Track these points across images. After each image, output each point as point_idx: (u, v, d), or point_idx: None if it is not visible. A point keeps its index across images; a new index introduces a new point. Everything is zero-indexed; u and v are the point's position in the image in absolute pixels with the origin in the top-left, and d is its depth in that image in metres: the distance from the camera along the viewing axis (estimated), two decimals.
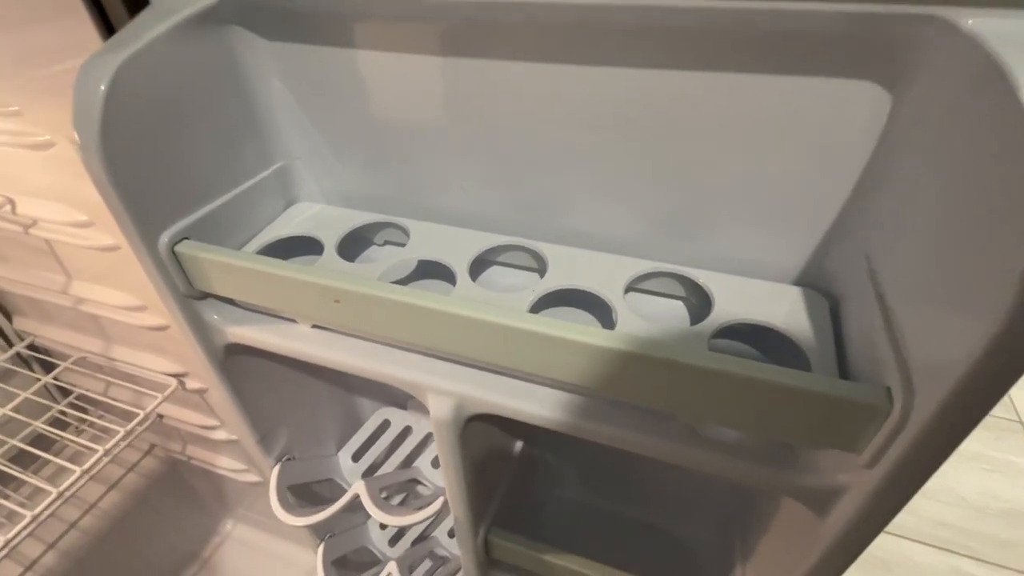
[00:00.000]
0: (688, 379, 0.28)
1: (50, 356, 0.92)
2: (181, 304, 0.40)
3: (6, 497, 0.68)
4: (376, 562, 0.72)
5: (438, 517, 0.72)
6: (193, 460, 1.05)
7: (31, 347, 0.93)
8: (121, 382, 0.87)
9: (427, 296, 0.32)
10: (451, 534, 0.71)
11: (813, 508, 0.31)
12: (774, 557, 0.44)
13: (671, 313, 0.38)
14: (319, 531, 0.66)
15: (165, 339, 0.78)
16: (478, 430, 0.40)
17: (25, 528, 0.64)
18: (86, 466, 0.72)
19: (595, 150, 0.36)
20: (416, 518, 0.47)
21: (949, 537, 1.15)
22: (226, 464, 1.01)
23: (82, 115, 0.33)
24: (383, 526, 0.75)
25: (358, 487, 0.49)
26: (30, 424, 0.79)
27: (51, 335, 0.90)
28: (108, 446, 0.74)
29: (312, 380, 0.58)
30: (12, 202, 0.67)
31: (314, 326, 0.40)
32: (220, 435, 0.93)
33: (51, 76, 0.52)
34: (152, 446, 1.07)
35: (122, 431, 0.77)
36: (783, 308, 0.35)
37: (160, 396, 0.81)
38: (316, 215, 0.46)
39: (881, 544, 0.91)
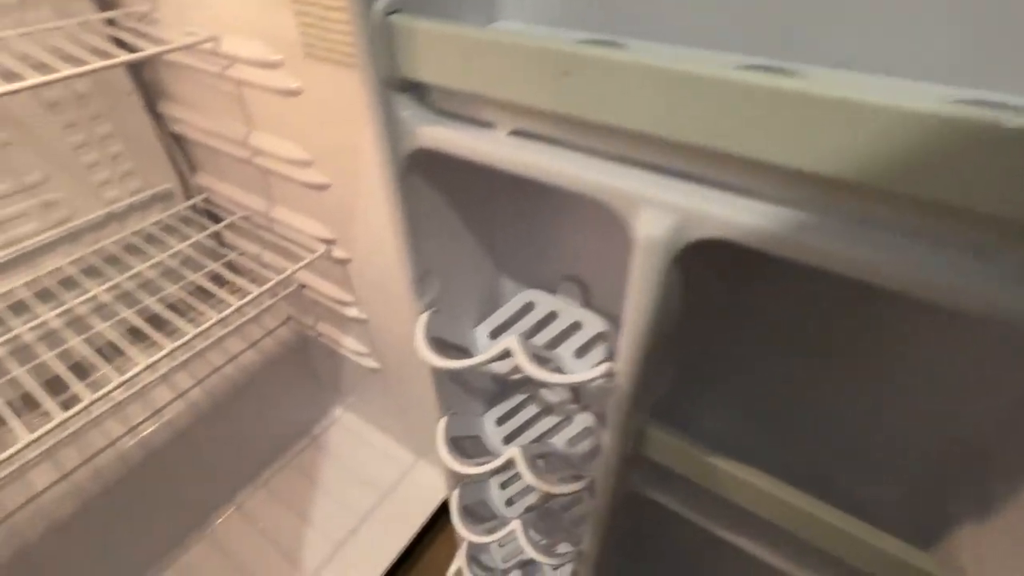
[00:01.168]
0: None
1: (218, 214, 1.00)
2: (380, 93, 0.38)
3: (159, 335, 0.73)
4: (485, 454, 0.69)
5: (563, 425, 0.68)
6: (321, 337, 1.11)
7: (206, 201, 1.01)
8: (276, 240, 0.92)
9: (692, 61, 0.25)
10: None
11: None
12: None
13: None
14: (444, 404, 0.65)
15: (323, 200, 0.80)
16: (684, 276, 0.34)
17: (167, 355, 0.68)
18: (224, 314, 0.75)
19: None
20: (579, 378, 0.42)
21: None
22: (350, 345, 1.04)
23: None
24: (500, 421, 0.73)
25: (510, 343, 0.45)
26: (187, 276, 0.86)
27: (223, 191, 0.97)
28: (248, 298, 0.77)
29: (470, 236, 0.55)
30: (216, 39, 0.71)
31: (513, 133, 0.36)
32: (352, 312, 0.96)
33: None
34: (288, 318, 1.14)
35: (267, 285, 0.80)
36: None
37: (308, 258, 0.84)
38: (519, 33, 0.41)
39: None
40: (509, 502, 0.84)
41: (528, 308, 0.61)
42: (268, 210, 0.92)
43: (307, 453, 1.24)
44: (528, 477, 0.57)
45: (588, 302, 0.58)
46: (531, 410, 0.72)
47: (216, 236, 0.97)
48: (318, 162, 0.76)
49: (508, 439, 0.73)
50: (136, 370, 0.67)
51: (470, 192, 0.50)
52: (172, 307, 0.81)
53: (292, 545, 1.07)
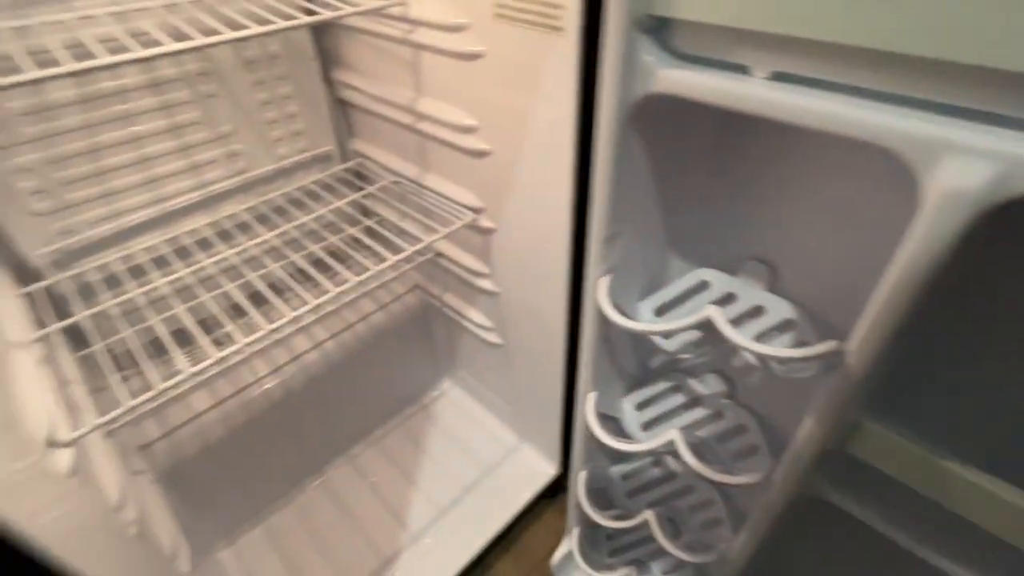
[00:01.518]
0: None
1: (370, 178, 1.05)
2: (626, 32, 0.36)
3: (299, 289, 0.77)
4: (623, 437, 0.67)
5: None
6: (446, 308, 1.14)
7: (359, 165, 1.06)
8: (423, 206, 0.95)
9: None
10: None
11: None
12: None
13: None
14: (594, 378, 0.63)
15: (479, 167, 0.81)
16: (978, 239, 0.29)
17: (309, 312, 0.71)
18: (366, 275, 0.77)
19: None
20: (803, 353, 0.39)
21: None
22: (475, 318, 1.06)
23: None
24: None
25: (711, 312, 0.43)
26: (334, 235, 0.90)
27: (377, 156, 1.02)
28: (390, 261, 0.79)
29: (656, 205, 0.53)
30: (405, 3, 0.74)
31: (772, 76, 0.34)
32: (485, 284, 0.97)
33: None
34: (415, 285, 1.18)
35: (410, 249, 0.81)
36: None
37: (456, 224, 0.85)
38: None
39: None
40: (630, 494, 0.81)
41: (701, 287, 0.58)
42: (420, 176, 0.95)
43: (416, 419, 1.28)
44: (691, 461, 0.54)
45: (774, 286, 0.54)
46: (674, 399, 0.69)
47: (365, 198, 1.02)
48: (483, 128, 0.77)
49: (647, 426, 0.70)
50: (282, 321, 0.69)
51: (672, 157, 0.48)
52: (317, 262, 0.85)
53: (399, 503, 1.11)
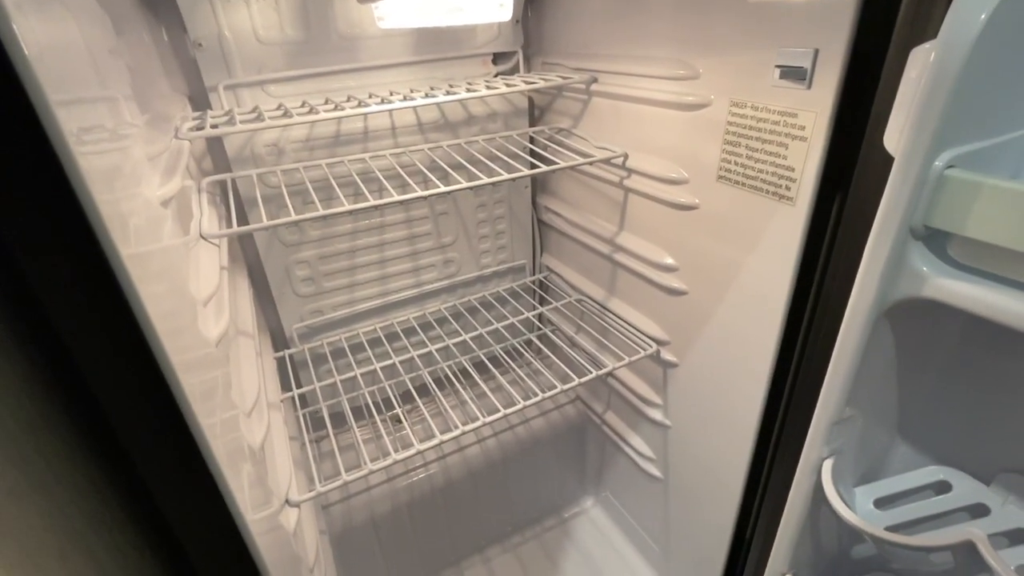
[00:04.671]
0: None
1: (555, 291, 1.12)
2: (897, 237, 0.37)
3: (465, 387, 0.83)
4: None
5: None
6: (605, 427, 1.13)
7: (546, 279, 1.15)
8: (603, 327, 0.99)
9: None
10: None
11: None
12: None
13: None
14: (792, 559, 0.57)
15: (671, 304, 0.83)
16: None
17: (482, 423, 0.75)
18: (539, 399, 0.79)
19: None
20: None
21: None
22: (637, 446, 1.04)
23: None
24: None
25: (974, 534, 0.38)
26: (510, 338, 0.97)
27: (564, 273, 1.10)
28: (571, 385, 0.81)
29: (895, 391, 0.49)
30: (626, 156, 0.82)
31: None
32: (655, 414, 0.95)
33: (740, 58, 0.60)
34: (577, 397, 1.20)
35: (592, 375, 0.84)
36: None
37: (640, 354, 0.87)
38: None
39: None
40: None
41: (942, 488, 0.51)
42: (605, 300, 1.00)
43: (553, 533, 1.25)
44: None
45: None
46: None
47: (550, 311, 1.09)
48: (682, 270, 0.80)
49: None
50: (455, 433, 0.74)
51: (917, 348, 0.46)
52: (499, 357, 0.91)
53: None
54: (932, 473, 0.52)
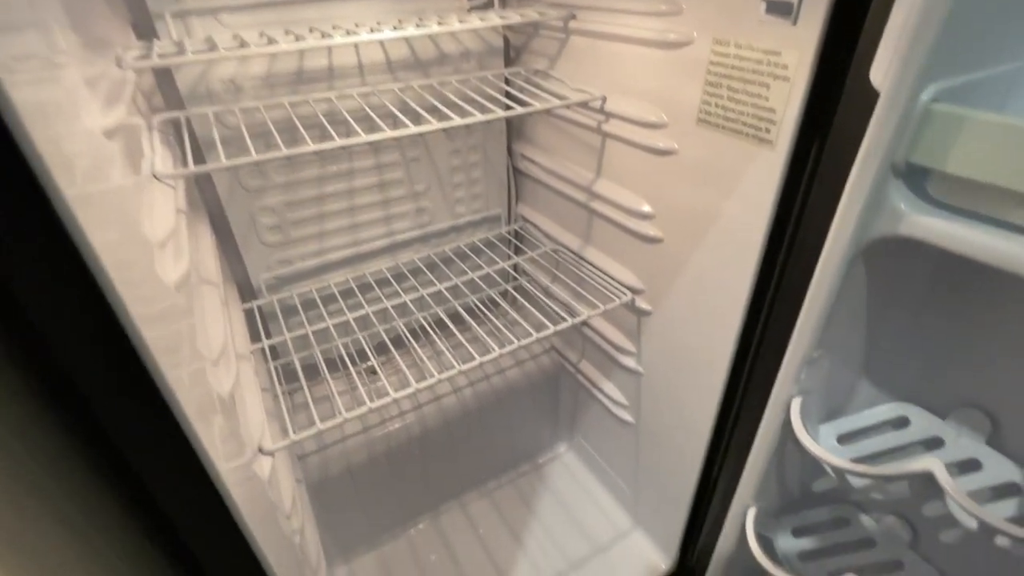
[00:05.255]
0: None
1: (531, 241, 1.11)
2: (878, 174, 0.37)
3: (440, 339, 0.82)
4: (775, 560, 0.62)
5: None
6: (579, 375, 1.15)
7: (521, 229, 1.14)
8: (579, 276, 0.98)
9: None
10: None
11: None
12: None
13: None
14: (758, 492, 0.60)
15: (646, 251, 0.83)
16: None
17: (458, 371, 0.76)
18: (515, 346, 0.79)
19: None
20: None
21: None
22: (610, 392, 1.06)
23: None
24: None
25: (931, 464, 0.40)
26: (486, 289, 0.96)
27: (540, 223, 1.08)
28: (544, 334, 0.81)
29: (862, 331, 0.51)
30: (605, 99, 0.80)
31: None
32: (628, 362, 0.97)
33: None
34: (552, 347, 1.21)
35: (567, 323, 0.84)
36: None
37: (615, 302, 0.88)
38: None
39: None
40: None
41: (900, 423, 0.53)
42: (580, 249, 0.99)
43: (528, 478, 1.29)
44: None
45: (996, 442, 0.49)
46: (841, 534, 0.63)
47: (525, 260, 1.09)
48: (659, 217, 0.79)
49: (806, 557, 0.65)
50: (431, 381, 0.74)
51: (887, 289, 0.47)
52: (476, 307, 0.91)
53: (504, 562, 1.11)
54: (892, 409, 0.54)
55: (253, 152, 0.59)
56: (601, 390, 1.08)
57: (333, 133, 0.65)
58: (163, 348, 0.36)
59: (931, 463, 0.40)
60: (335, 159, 0.88)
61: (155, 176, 0.54)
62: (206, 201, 0.83)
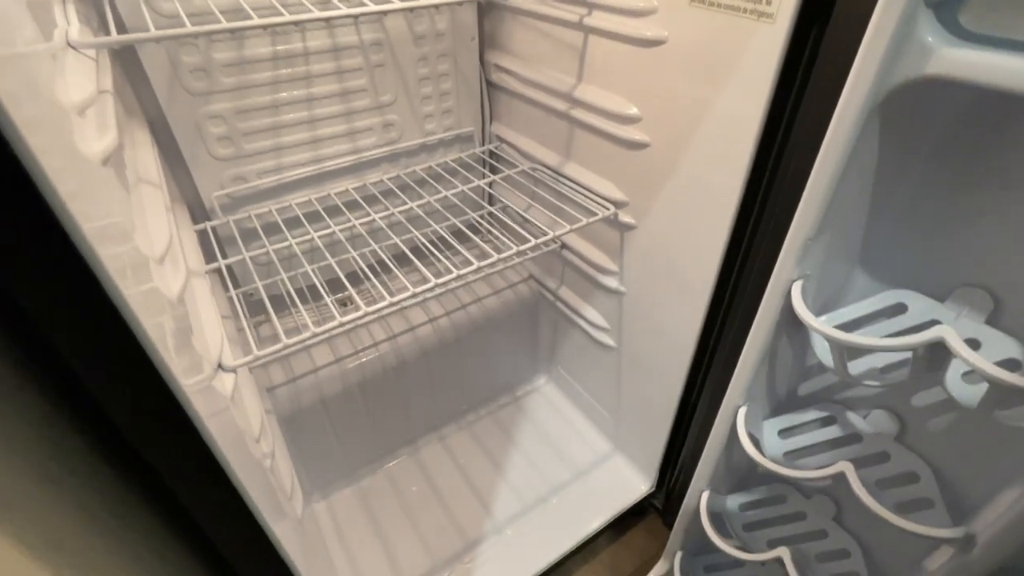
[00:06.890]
0: None
1: (508, 161, 1.05)
2: (906, 3, 0.33)
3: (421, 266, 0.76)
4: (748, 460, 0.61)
5: None
6: (559, 302, 1.12)
7: (497, 148, 1.07)
8: (560, 194, 0.93)
9: None
10: None
11: None
12: None
13: None
14: (747, 394, 0.58)
15: (631, 160, 0.79)
16: None
17: (429, 291, 0.69)
18: (484, 263, 0.73)
19: None
20: None
21: None
22: (590, 316, 1.03)
23: None
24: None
25: (943, 331, 0.37)
26: (461, 214, 0.89)
27: (516, 141, 1.02)
28: (519, 248, 0.76)
29: (864, 210, 0.48)
30: None
31: None
32: (610, 282, 0.94)
33: None
34: (530, 276, 1.18)
35: (544, 238, 0.79)
36: None
37: (597, 216, 0.83)
38: None
39: None
40: (747, 527, 0.75)
41: (897, 310, 0.51)
42: (560, 165, 0.94)
43: (508, 410, 1.27)
44: (868, 501, 0.48)
45: (995, 321, 0.47)
46: (827, 432, 0.62)
47: (503, 180, 1.03)
48: (646, 119, 0.74)
49: (792, 456, 0.64)
50: (404, 295, 0.70)
51: (892, 158, 0.43)
52: (450, 235, 0.85)
53: (484, 490, 1.10)
54: (888, 297, 0.52)
55: (188, 24, 0.51)
56: (582, 315, 1.06)
57: (282, 8, 0.57)
58: (84, 214, 0.30)
59: (942, 330, 0.38)
60: (289, 62, 0.79)
61: (70, 45, 0.46)
62: (144, 107, 0.74)
